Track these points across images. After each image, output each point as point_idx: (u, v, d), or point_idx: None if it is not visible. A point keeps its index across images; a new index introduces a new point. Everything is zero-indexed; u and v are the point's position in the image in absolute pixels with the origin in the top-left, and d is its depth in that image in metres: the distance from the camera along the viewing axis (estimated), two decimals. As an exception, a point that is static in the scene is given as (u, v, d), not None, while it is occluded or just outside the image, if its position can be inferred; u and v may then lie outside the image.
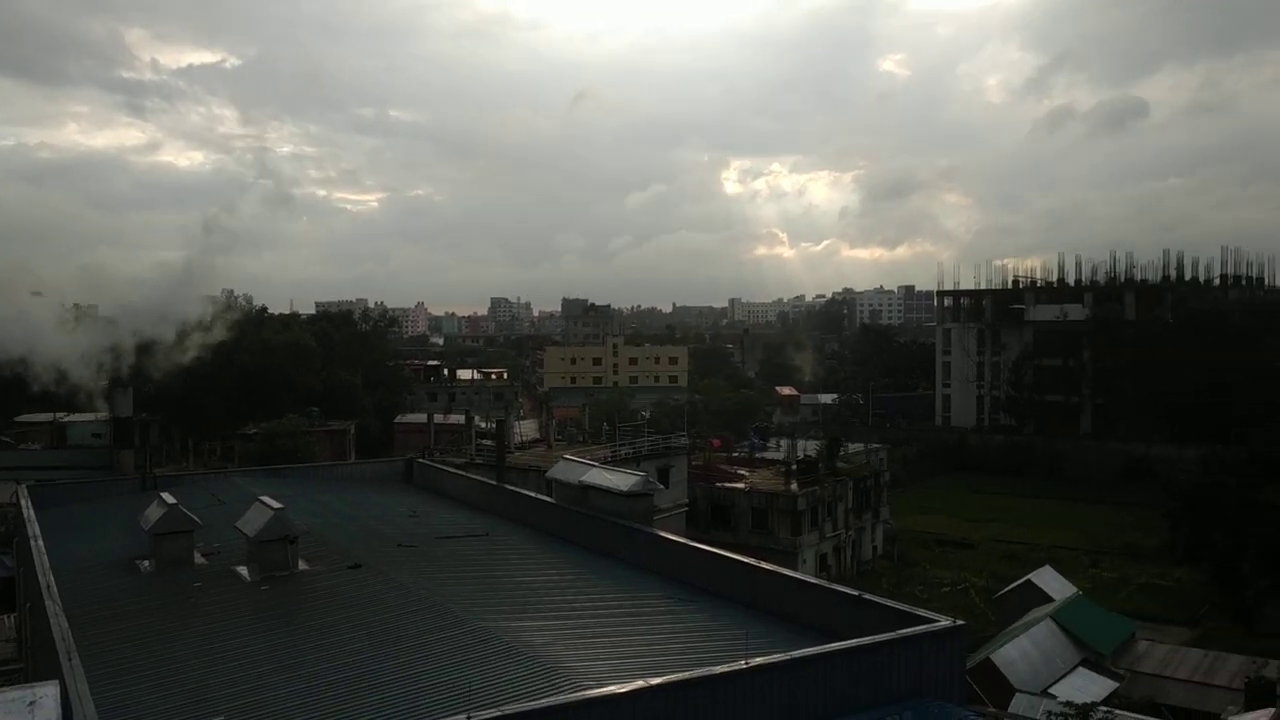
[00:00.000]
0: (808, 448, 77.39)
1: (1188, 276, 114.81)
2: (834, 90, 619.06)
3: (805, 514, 65.36)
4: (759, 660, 17.04)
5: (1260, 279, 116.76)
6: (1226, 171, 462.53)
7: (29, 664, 30.30)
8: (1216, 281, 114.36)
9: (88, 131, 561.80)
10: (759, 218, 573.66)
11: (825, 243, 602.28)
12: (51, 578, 25.20)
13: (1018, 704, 32.82)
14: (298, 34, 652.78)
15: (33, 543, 29.67)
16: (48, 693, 16.40)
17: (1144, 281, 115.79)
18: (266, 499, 29.28)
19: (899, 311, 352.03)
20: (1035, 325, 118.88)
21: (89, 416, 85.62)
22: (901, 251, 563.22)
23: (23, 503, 36.38)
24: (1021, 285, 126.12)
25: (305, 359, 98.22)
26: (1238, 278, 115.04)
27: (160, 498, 30.72)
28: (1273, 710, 31.60)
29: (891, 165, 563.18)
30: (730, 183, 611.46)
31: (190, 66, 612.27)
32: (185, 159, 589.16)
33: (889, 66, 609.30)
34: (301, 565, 27.76)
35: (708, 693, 16.30)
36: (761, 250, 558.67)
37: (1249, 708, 33.93)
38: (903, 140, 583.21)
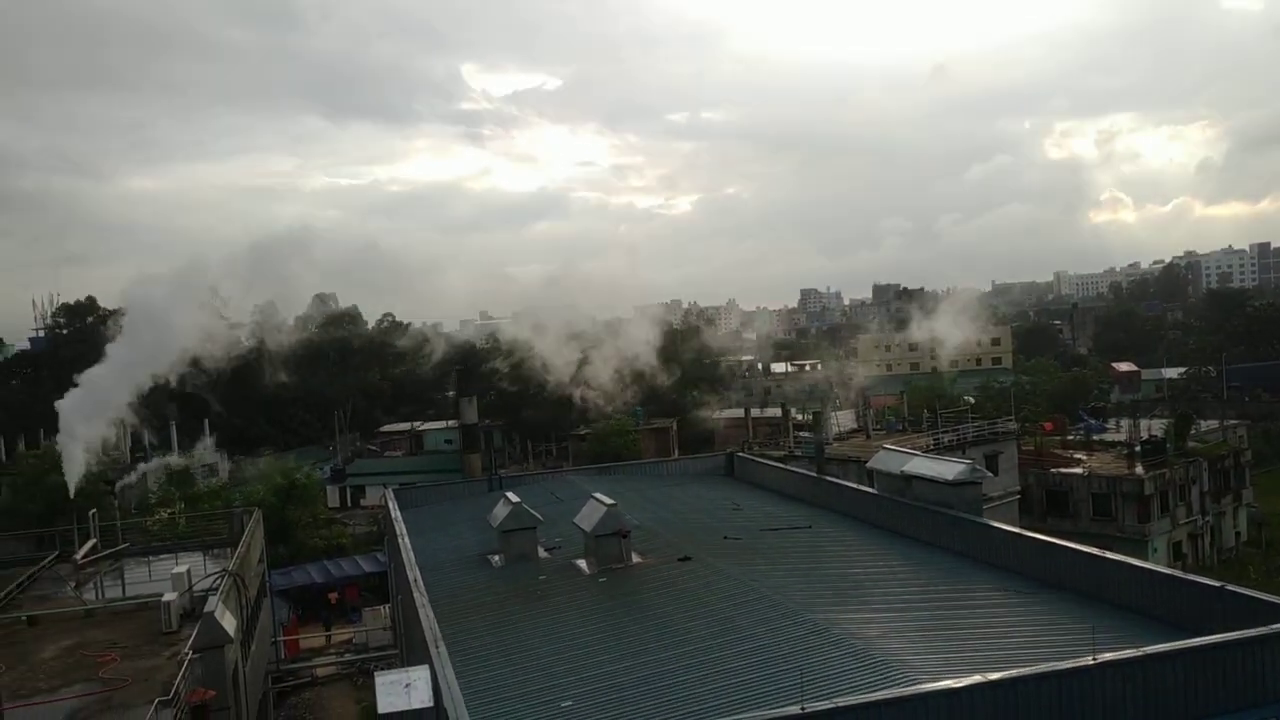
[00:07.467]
0: (1152, 427, 71.61)
1: None
2: (1173, 36, 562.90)
3: (1154, 499, 60.38)
4: (1108, 656, 16.01)
5: None
6: None
7: (402, 649, 33.62)
8: None
9: (430, 163, 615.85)
10: (1095, 182, 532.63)
11: (1175, 202, 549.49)
12: (417, 572, 27.89)
13: None
14: (610, 50, 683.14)
15: (400, 540, 32.91)
16: (420, 676, 18.30)
17: None
18: (599, 495, 30.70)
19: (1253, 272, 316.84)
20: None
21: (440, 425, 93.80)
22: (1265, 205, 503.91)
23: (390, 505, 40.16)
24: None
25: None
26: None
27: (505, 497, 32.94)
28: None
29: (1251, 113, 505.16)
30: (1061, 148, 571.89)
31: (515, 93, 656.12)
32: (512, 180, 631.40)
33: (1235, 4, 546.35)
34: (635, 558, 28.90)
35: (1051, 689, 15.52)
36: (1100, 216, 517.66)
37: None
38: (1264, 84, 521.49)
